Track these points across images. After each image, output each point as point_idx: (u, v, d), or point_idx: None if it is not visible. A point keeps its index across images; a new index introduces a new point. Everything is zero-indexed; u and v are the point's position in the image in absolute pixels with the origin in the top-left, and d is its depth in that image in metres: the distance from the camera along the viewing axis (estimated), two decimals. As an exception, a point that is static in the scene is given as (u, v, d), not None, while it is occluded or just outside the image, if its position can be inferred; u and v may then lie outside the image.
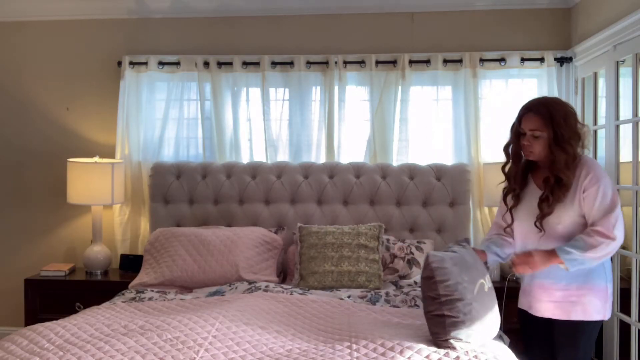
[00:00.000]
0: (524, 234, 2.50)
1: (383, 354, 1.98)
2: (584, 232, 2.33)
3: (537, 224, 2.40)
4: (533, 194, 2.47)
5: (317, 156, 3.89)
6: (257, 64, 3.88)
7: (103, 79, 4.02)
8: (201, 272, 3.18)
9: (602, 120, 3.45)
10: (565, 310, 2.38)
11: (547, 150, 2.36)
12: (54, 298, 3.53)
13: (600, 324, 2.44)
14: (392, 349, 2.00)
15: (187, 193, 3.74)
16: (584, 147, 2.42)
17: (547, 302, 2.42)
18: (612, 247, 2.30)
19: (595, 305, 2.36)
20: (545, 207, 2.36)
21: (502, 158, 3.71)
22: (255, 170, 3.75)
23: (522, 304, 2.56)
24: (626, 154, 3.12)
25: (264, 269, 3.25)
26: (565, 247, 2.29)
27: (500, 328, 2.41)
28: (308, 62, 3.86)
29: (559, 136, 2.32)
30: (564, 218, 2.37)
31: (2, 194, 4.10)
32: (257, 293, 2.74)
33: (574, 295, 2.36)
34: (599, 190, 2.32)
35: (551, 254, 2.30)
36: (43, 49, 4.08)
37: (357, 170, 3.71)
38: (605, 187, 2.34)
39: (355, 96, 3.92)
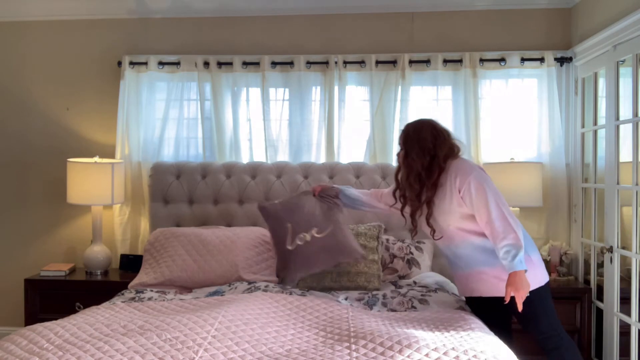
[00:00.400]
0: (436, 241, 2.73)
1: (382, 354, 1.97)
2: (489, 242, 2.49)
3: (414, 237, 2.79)
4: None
5: (317, 156, 3.89)
6: (257, 64, 3.88)
7: (103, 79, 4.02)
8: (201, 272, 3.18)
9: (602, 120, 3.45)
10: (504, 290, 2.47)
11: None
12: (54, 298, 3.53)
13: (544, 289, 2.56)
14: (391, 348, 2.00)
15: (187, 193, 3.74)
16: (456, 157, 2.64)
17: (487, 284, 2.56)
18: (512, 219, 2.43)
19: (528, 276, 2.42)
20: (415, 221, 2.67)
21: (503, 158, 3.75)
22: (255, 170, 3.75)
23: (465, 291, 2.72)
24: (626, 154, 3.12)
25: (264, 269, 3.25)
26: (503, 262, 2.40)
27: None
28: (308, 62, 3.86)
29: (407, 153, 2.61)
30: (450, 220, 2.57)
31: (2, 194, 4.10)
32: (257, 293, 2.73)
33: (505, 275, 2.44)
34: (471, 185, 2.48)
35: (513, 275, 2.37)
36: (43, 49, 4.08)
37: (357, 170, 3.71)
38: (477, 178, 2.50)
39: (355, 96, 3.92)
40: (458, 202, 2.53)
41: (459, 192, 2.51)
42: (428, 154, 2.57)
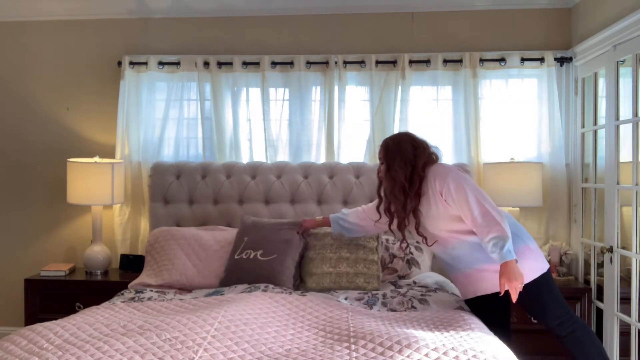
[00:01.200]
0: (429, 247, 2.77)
1: (382, 354, 1.97)
2: (479, 237, 2.50)
3: (404, 246, 2.91)
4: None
5: (317, 156, 3.89)
6: (257, 64, 3.88)
7: (103, 79, 4.02)
8: (200, 276, 3.18)
9: (602, 120, 3.45)
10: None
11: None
12: (54, 298, 3.53)
13: (547, 275, 2.60)
14: (390, 348, 2.00)
15: (187, 193, 3.74)
16: (433, 164, 2.67)
17: (489, 280, 2.56)
18: (495, 212, 2.45)
19: (526, 266, 2.47)
20: (403, 232, 2.71)
21: (503, 158, 3.75)
22: (255, 170, 3.75)
23: (468, 293, 2.71)
24: (626, 154, 3.12)
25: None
26: (492, 256, 2.42)
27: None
28: (308, 62, 3.86)
29: (389, 167, 2.65)
30: (440, 225, 2.61)
31: (2, 194, 4.10)
32: (256, 293, 2.73)
33: None
34: (450, 186, 2.53)
35: (504, 266, 2.38)
36: (43, 49, 4.08)
37: (357, 170, 3.70)
38: (455, 179, 2.53)
39: (355, 96, 3.92)
40: (443, 205, 2.57)
41: (441, 195, 2.56)
42: (410, 164, 2.63)
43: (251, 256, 3.11)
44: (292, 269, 3.10)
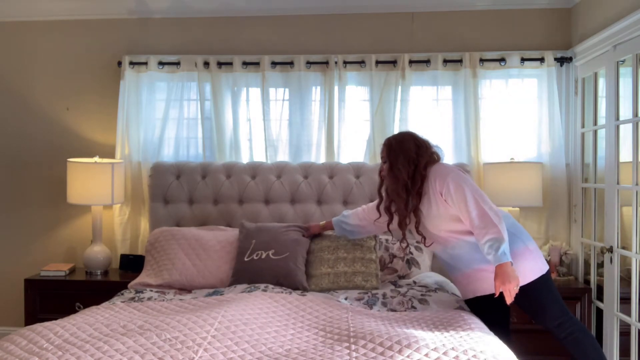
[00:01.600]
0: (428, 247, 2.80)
1: (382, 354, 1.97)
2: (476, 238, 2.51)
3: (404, 246, 2.86)
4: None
5: (317, 156, 3.89)
6: (257, 64, 3.88)
7: (103, 79, 4.02)
8: (200, 276, 3.18)
9: (602, 120, 3.45)
10: None
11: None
12: (54, 298, 3.53)
13: (547, 276, 2.61)
14: (390, 348, 2.00)
15: (187, 193, 3.74)
16: (434, 163, 2.67)
17: (488, 281, 2.55)
18: (493, 214, 2.45)
19: (525, 267, 2.50)
20: (404, 230, 2.71)
21: (503, 158, 3.76)
22: (255, 170, 3.75)
23: (467, 293, 2.71)
24: (626, 154, 3.12)
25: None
26: (488, 257, 2.43)
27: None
28: (308, 62, 3.86)
29: (392, 165, 2.65)
30: (440, 224, 2.62)
31: (2, 194, 4.10)
32: (256, 293, 2.73)
33: None
34: (450, 186, 2.54)
35: (499, 268, 2.39)
36: (43, 49, 4.08)
37: (357, 170, 3.70)
38: (455, 179, 2.54)
39: (355, 96, 3.92)
40: (443, 205, 2.58)
41: (441, 195, 2.57)
42: (412, 163, 2.64)
43: (262, 256, 3.11)
44: (302, 268, 3.11)
